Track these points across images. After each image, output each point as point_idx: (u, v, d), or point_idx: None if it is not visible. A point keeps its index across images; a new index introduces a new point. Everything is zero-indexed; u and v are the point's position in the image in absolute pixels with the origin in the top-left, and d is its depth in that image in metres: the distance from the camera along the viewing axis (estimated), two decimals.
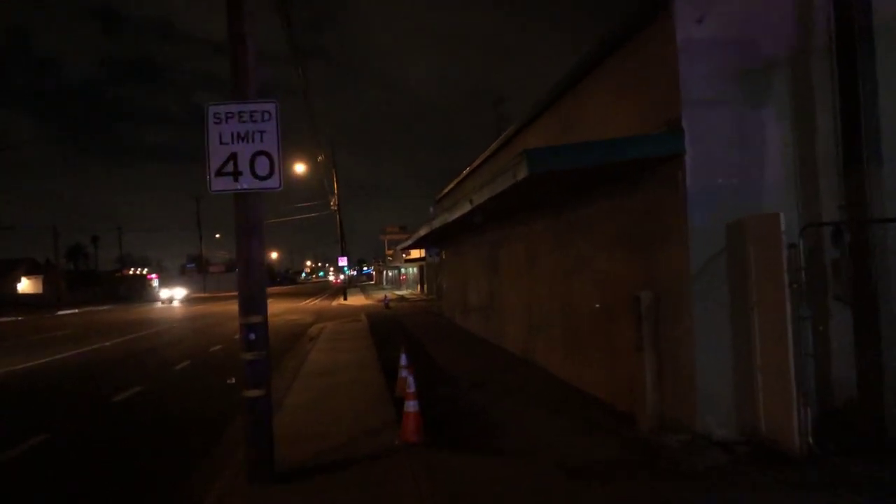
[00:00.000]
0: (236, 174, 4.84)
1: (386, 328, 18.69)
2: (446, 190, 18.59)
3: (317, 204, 44.92)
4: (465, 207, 8.23)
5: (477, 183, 12.66)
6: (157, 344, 18.25)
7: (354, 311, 28.70)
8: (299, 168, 39.84)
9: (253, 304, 4.88)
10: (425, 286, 42.04)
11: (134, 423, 8.36)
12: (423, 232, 13.77)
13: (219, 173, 4.84)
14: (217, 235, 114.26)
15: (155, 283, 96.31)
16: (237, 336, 5.17)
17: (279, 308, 35.52)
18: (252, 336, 4.83)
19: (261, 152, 4.87)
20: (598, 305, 7.41)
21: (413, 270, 52.43)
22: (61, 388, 11.46)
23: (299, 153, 40.28)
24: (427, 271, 41.05)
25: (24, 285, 64.44)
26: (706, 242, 5.37)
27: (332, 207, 41.05)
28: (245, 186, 4.85)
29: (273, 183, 4.87)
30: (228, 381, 10.62)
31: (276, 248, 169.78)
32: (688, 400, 5.43)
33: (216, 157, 4.85)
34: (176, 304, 49.13)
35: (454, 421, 6.96)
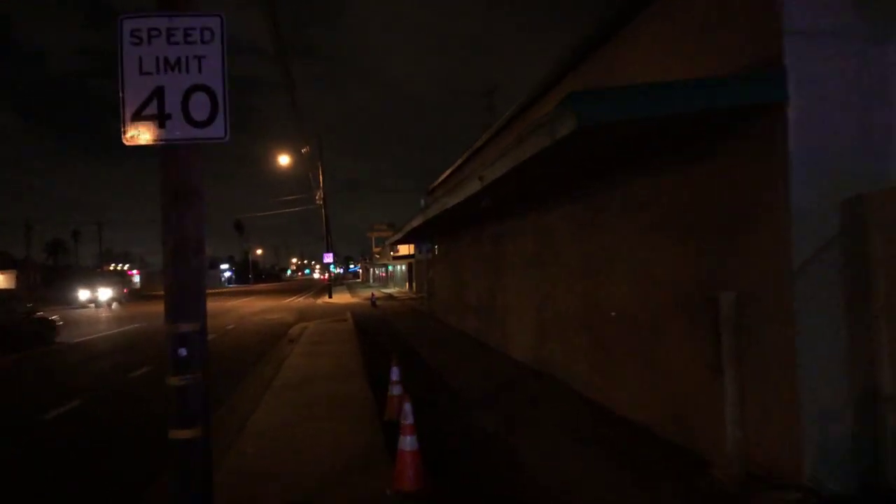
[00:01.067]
0: (163, 118, 3.32)
1: (373, 329, 17.18)
2: (440, 180, 17.13)
3: (302, 197, 43.34)
4: (473, 187, 6.76)
5: (477, 166, 11.18)
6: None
7: (340, 310, 27.13)
8: (283, 160, 38.32)
9: (185, 305, 3.37)
10: (414, 284, 40.53)
11: None
12: (416, 222, 12.30)
13: (137, 116, 3.33)
14: None
15: (136, 278, 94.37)
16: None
17: (260, 306, 33.82)
18: (183, 351, 3.32)
19: (198, 87, 3.36)
20: (637, 309, 5.99)
21: (401, 268, 50.86)
22: None
23: (283, 144, 38.70)
24: (416, 269, 39.54)
25: None
26: (813, 225, 3.96)
27: (318, 201, 39.41)
28: (176, 135, 3.34)
29: (215, 131, 3.36)
30: None
31: (261, 244, 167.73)
32: (787, 439, 4.01)
33: (134, 93, 3.33)
34: (104, 307, 38.56)
35: (462, 456, 5.49)
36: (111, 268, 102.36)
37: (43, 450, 6.71)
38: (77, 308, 37.48)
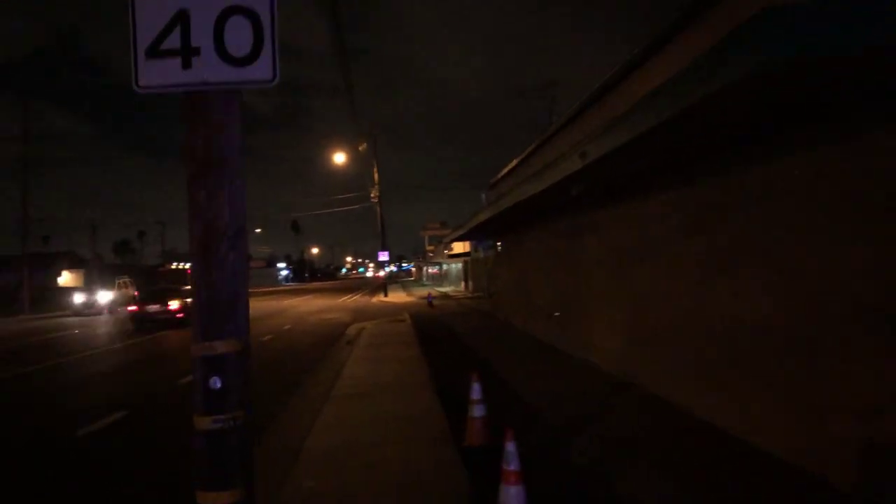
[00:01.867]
0: (188, 53, 2.39)
1: (434, 331, 16.24)
2: (503, 173, 15.99)
3: (356, 195, 43.07)
4: (568, 167, 5.63)
5: (546, 156, 10.09)
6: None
7: (396, 310, 26.39)
8: (339, 158, 38.03)
9: (219, 316, 2.41)
10: (470, 283, 39.50)
11: None
12: (485, 215, 11.27)
13: (154, 52, 2.40)
14: (258, 230, 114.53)
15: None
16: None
17: (316, 305, 33.54)
18: (216, 382, 2.37)
19: (237, 9, 2.41)
20: (789, 318, 4.74)
21: (456, 266, 49.90)
22: None
23: (340, 144, 38.57)
24: (472, 267, 38.50)
25: (65, 279, 64.43)
26: None
27: (373, 199, 38.91)
28: (207, 77, 2.39)
29: (261, 71, 2.40)
30: None
31: (317, 243, 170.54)
32: None
33: (148, 19, 2.41)
34: (104, 313, 31.75)
35: (566, 500, 4.40)
36: (173, 266, 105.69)
37: None
38: (69, 316, 32.29)
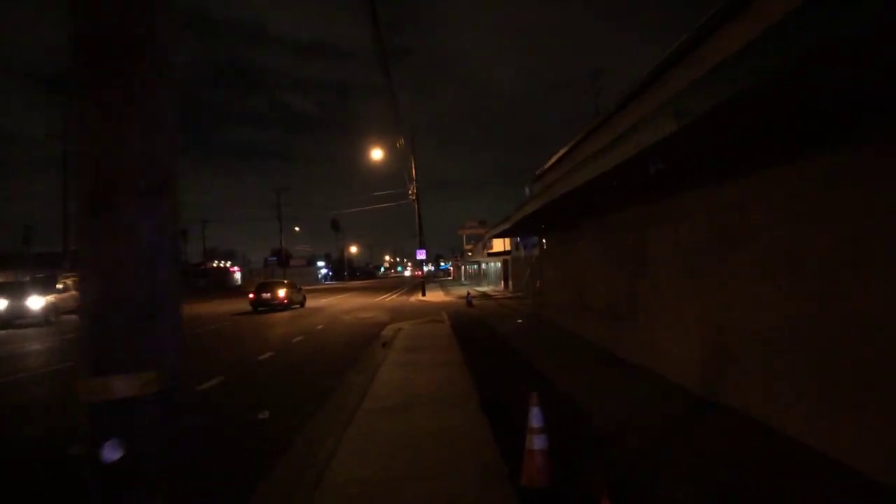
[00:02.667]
0: None
1: (474, 332, 15.14)
2: (550, 162, 14.78)
3: (395, 192, 42.39)
4: (655, 133, 4.45)
5: (601, 142, 8.92)
6: None
7: (434, 309, 25.40)
8: (377, 154, 37.32)
9: (127, 331, 1.35)
10: (510, 282, 38.24)
11: None
12: (533, 207, 10.12)
13: None
14: (297, 229, 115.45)
15: (237, 275, 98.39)
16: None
17: (353, 303, 32.84)
18: (112, 452, 1.31)
19: None
20: None
21: (495, 265, 48.68)
22: None
23: (379, 143, 37.96)
24: (512, 266, 37.25)
25: None
26: None
27: (411, 196, 38.05)
28: None
29: None
30: (261, 416, 7.47)
31: (357, 242, 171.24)
32: None
33: None
34: (37, 320, 22.95)
35: None
36: (214, 265, 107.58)
37: None
38: None
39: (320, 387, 9.29)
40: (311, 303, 35.46)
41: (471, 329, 15.89)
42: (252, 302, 27.47)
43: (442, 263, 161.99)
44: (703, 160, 6.15)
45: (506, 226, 13.67)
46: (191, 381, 9.76)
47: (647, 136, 4.62)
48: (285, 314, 26.02)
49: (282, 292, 27.82)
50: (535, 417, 4.34)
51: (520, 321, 17.11)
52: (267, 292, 27.66)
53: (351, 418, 6.57)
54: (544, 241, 15.76)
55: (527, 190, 17.95)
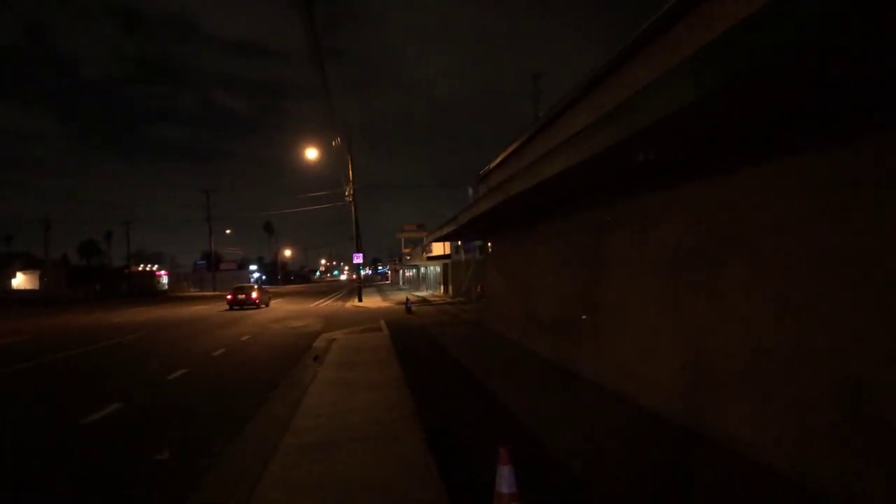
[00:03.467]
0: None
1: (414, 342, 14.00)
2: (496, 161, 13.86)
3: (331, 193, 40.72)
4: (677, 96, 3.47)
5: (543, 146, 8.06)
6: None
7: (371, 316, 24.09)
8: (312, 153, 35.69)
9: None
10: (450, 287, 37.32)
11: None
12: (484, 206, 9.11)
13: None
14: (227, 231, 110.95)
15: (164, 279, 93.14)
16: None
17: (284, 310, 31.00)
18: None
19: None
20: None
21: (435, 269, 47.69)
22: None
23: (314, 143, 36.37)
24: (452, 270, 36.35)
25: (20, 280, 60.66)
26: None
27: (347, 198, 36.55)
28: None
29: None
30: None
31: (291, 245, 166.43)
32: None
33: None
34: None
35: None
36: (140, 268, 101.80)
37: None
38: None
39: (237, 413, 7.94)
40: (236, 310, 33.39)
41: (411, 339, 14.73)
42: (230, 302, 32.98)
43: (380, 267, 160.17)
44: (690, 152, 5.27)
45: (450, 228, 12.62)
46: None
47: (650, 113, 3.66)
48: (208, 324, 24.07)
49: (254, 294, 33.84)
50: (507, 480, 3.26)
51: (462, 331, 16.12)
52: (242, 294, 33.44)
53: (266, 463, 5.29)
54: (489, 244, 14.83)
55: (470, 191, 17.05)
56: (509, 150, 12.80)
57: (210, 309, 34.24)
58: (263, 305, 34.72)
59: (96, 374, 11.63)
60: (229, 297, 33.50)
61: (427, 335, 15.46)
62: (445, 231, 13.83)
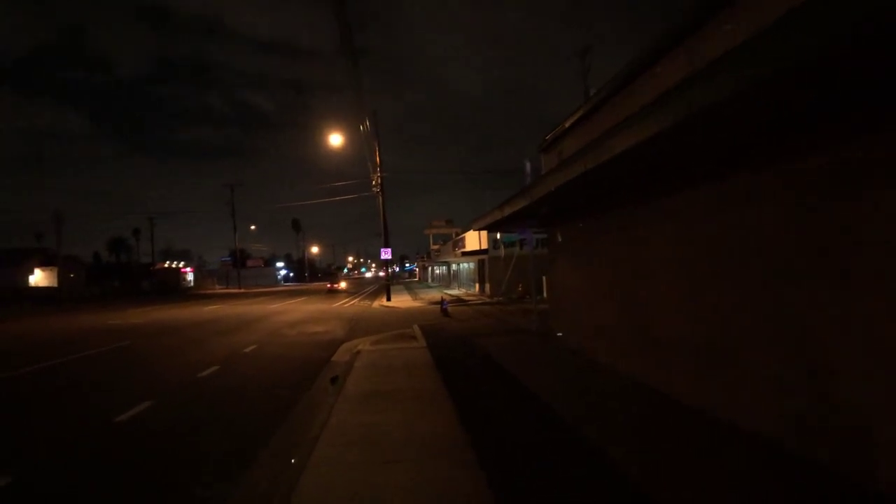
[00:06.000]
0: None
1: (462, 360, 10.62)
2: (572, 120, 10.34)
3: (357, 182, 37.67)
4: None
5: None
6: None
7: (402, 319, 20.80)
8: (336, 140, 32.60)
9: None
10: (487, 285, 33.84)
11: None
12: (569, 175, 5.73)
13: None
14: (252, 227, 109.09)
15: (189, 276, 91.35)
16: None
17: (305, 311, 27.88)
18: None
19: None
20: None
21: (468, 266, 44.21)
22: None
23: (340, 126, 33.35)
24: (490, 267, 32.86)
25: (38, 277, 58.99)
26: None
27: (374, 188, 33.33)
28: None
29: None
30: None
31: (319, 242, 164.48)
32: None
33: None
34: None
35: None
36: (165, 265, 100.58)
37: None
38: None
39: (197, 497, 4.71)
40: (256, 309, 30.47)
41: (456, 354, 11.35)
42: (327, 289, 52.83)
43: (407, 264, 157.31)
44: None
45: (514, 207, 9.14)
46: None
47: None
48: (215, 329, 21.05)
49: (342, 284, 53.57)
50: None
51: (522, 344, 12.70)
52: (334, 283, 54.29)
53: None
54: (558, 233, 11.33)
55: (527, 166, 13.56)
56: (580, 112, 9.31)
57: (225, 309, 31.41)
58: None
59: (16, 411, 8.51)
60: (328, 285, 54.94)
61: (477, 349, 12.03)
62: (497, 216, 10.37)
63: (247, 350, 13.86)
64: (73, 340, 17.48)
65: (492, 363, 10.10)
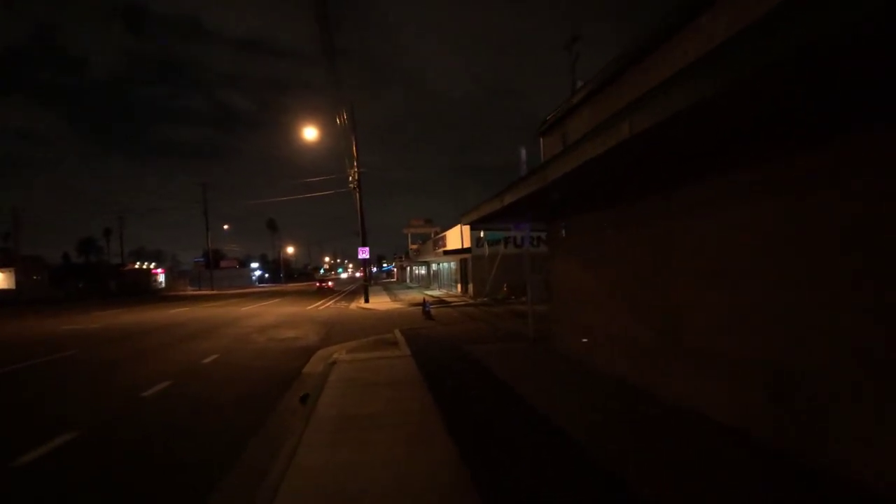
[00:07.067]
0: None
1: (452, 371, 9.20)
2: (579, 97, 9.00)
3: (333, 178, 36.17)
4: None
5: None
6: None
7: (382, 322, 19.30)
8: (311, 133, 31.00)
9: None
10: (469, 286, 32.46)
11: None
12: (592, 152, 4.37)
13: None
14: (225, 227, 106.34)
15: (160, 277, 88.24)
16: None
17: (278, 314, 26.14)
18: None
19: None
20: None
21: (449, 266, 42.78)
22: None
23: (316, 123, 31.70)
24: (473, 266, 31.49)
25: None
26: None
27: (351, 184, 31.69)
28: None
29: None
30: None
31: (295, 243, 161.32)
32: None
33: None
34: None
35: None
36: (136, 266, 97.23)
37: None
38: None
39: None
40: (225, 311, 28.69)
41: (446, 365, 9.91)
42: (317, 287, 56.68)
43: (384, 265, 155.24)
44: None
45: (504, 200, 7.70)
46: None
47: None
48: (177, 334, 19.33)
49: (331, 283, 60.51)
50: None
51: (516, 351, 11.32)
52: (323, 282, 58.42)
53: None
54: (562, 227, 9.96)
55: (522, 153, 12.14)
56: (610, 72, 7.97)
57: (192, 312, 29.52)
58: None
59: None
60: (317, 284, 59.22)
61: (469, 359, 10.60)
62: (495, 206, 8.94)
63: (207, 361, 12.23)
64: (9, 349, 15.64)
65: (490, 378, 8.67)
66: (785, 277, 4.67)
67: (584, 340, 9.14)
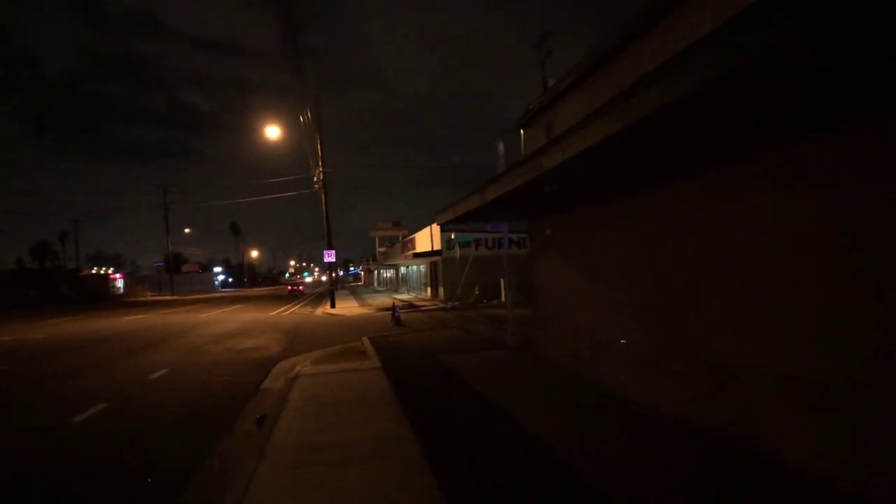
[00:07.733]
0: None
1: (426, 384, 8.24)
2: (567, 82, 8.12)
3: (298, 178, 34.96)
4: None
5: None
6: None
7: (349, 329, 18.18)
8: (274, 132, 29.72)
9: None
10: (440, 289, 31.51)
11: None
12: (598, 135, 3.52)
13: None
14: (187, 230, 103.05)
15: (119, 283, 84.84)
16: None
17: (238, 321, 24.70)
18: None
19: None
20: None
21: (418, 269, 41.74)
22: None
23: (280, 121, 30.37)
24: (443, 269, 30.54)
25: None
26: None
27: (316, 185, 30.43)
28: None
29: None
30: None
31: (260, 247, 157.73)
32: None
33: None
34: None
35: None
36: (94, 271, 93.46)
37: None
38: None
39: None
40: (183, 318, 27.12)
41: (421, 380, 8.92)
42: (289, 290, 58.32)
43: (351, 268, 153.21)
44: None
45: (486, 196, 6.77)
46: None
47: None
48: (124, 345, 17.87)
49: (301, 287, 62.77)
50: None
51: (497, 360, 10.40)
52: (294, 286, 59.93)
53: None
54: (547, 226, 9.09)
55: (500, 147, 11.26)
56: (606, 49, 7.12)
57: (148, 320, 27.84)
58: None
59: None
60: (288, 288, 61.58)
61: (445, 372, 9.62)
62: (476, 203, 7.99)
63: (154, 376, 10.96)
64: None
65: (475, 397, 7.71)
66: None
67: (566, 346, 8.26)
